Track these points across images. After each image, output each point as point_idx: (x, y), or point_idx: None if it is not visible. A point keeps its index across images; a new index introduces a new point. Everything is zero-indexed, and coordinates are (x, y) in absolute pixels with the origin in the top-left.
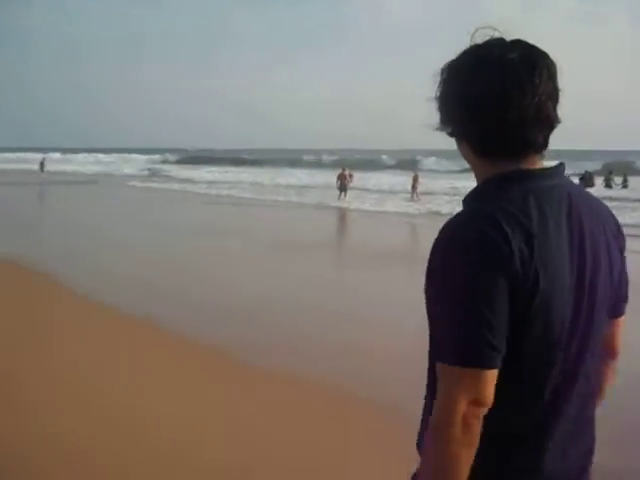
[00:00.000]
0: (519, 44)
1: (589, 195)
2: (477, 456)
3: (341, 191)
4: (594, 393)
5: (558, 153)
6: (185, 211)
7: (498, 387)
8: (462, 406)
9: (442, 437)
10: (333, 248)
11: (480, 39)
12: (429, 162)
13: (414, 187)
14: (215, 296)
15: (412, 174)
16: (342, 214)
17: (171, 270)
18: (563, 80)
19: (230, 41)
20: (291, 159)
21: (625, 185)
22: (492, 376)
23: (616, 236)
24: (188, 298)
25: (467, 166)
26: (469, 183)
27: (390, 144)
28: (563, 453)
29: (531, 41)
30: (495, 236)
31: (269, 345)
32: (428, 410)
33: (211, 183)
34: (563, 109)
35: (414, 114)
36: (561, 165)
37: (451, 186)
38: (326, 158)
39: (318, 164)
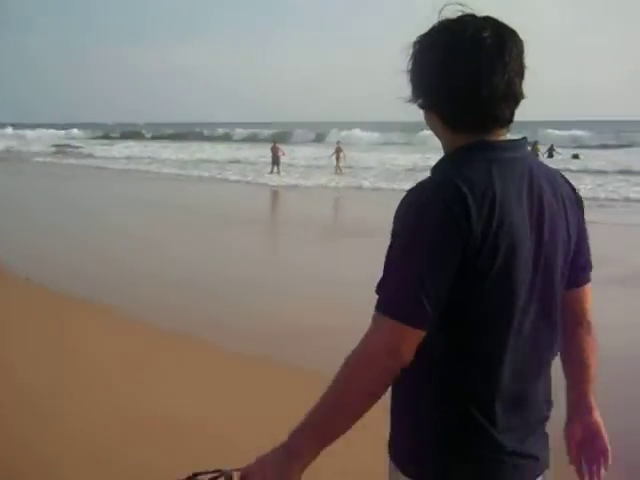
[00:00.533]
0: (490, 22)
1: (548, 167)
2: (433, 420)
3: (274, 164)
4: (549, 360)
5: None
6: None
7: (452, 354)
8: (381, 354)
9: (349, 370)
10: (268, 223)
11: (449, 14)
12: (351, 134)
13: (338, 160)
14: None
15: (335, 147)
16: (275, 191)
17: (101, 246)
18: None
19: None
20: (197, 133)
21: (551, 155)
22: (416, 335)
23: (573, 204)
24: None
25: (387, 139)
26: (393, 155)
27: (307, 116)
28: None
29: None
30: (453, 201)
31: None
32: (398, 397)
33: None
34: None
35: (334, 86)
36: (523, 139)
37: (377, 159)
38: (240, 132)
39: (228, 138)
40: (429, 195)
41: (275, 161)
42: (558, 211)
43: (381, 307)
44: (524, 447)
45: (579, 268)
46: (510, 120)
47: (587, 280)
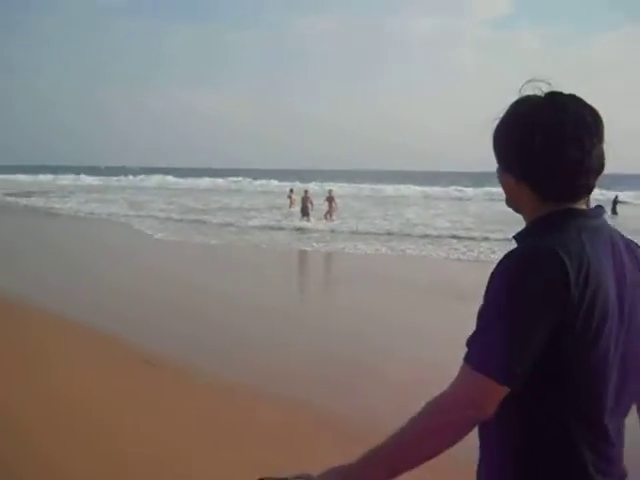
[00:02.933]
0: (582, 101)
1: (622, 234)
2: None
3: (304, 215)
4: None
5: None
6: None
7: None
8: (464, 404)
9: (432, 414)
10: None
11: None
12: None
13: (330, 207)
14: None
15: (326, 195)
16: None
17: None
18: None
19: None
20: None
21: (615, 210)
22: (501, 392)
23: None
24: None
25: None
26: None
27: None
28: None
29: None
30: (554, 266)
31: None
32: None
33: None
34: None
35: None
36: (601, 207)
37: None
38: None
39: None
40: (530, 259)
41: (305, 212)
42: (637, 277)
43: (470, 360)
44: None
45: None
46: (593, 188)
47: None
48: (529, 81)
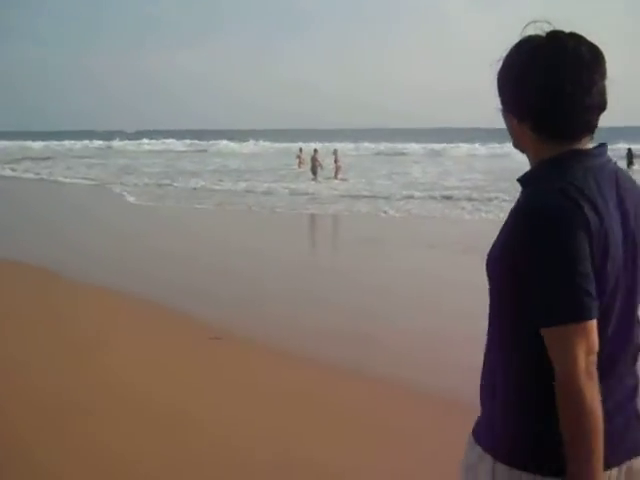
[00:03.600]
0: (582, 38)
1: (628, 174)
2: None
3: (315, 174)
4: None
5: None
6: None
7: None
8: (582, 359)
9: (574, 390)
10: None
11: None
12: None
13: (337, 164)
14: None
15: (333, 155)
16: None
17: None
18: None
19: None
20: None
21: (631, 162)
22: (596, 324)
23: None
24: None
25: None
26: None
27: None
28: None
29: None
30: (573, 207)
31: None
32: (495, 374)
33: None
34: None
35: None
36: (605, 145)
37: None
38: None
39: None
40: (553, 206)
41: (314, 171)
42: (638, 209)
43: (563, 317)
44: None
45: None
46: (596, 127)
47: None
48: (530, 22)
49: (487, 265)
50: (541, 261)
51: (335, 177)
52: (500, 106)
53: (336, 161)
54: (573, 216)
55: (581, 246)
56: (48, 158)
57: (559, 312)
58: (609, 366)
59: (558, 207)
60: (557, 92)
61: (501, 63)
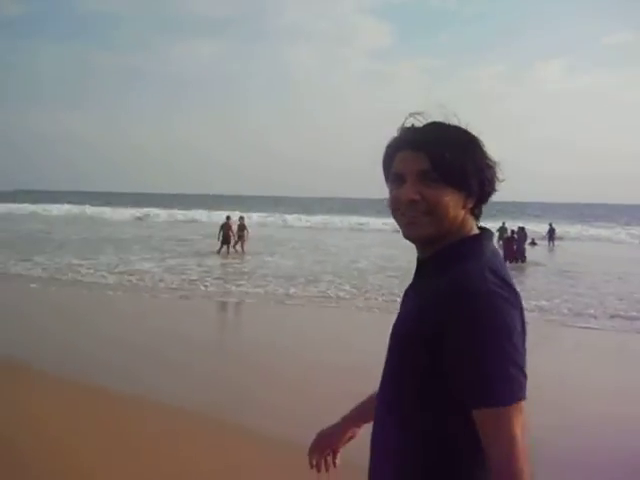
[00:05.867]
0: (435, 123)
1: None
2: None
3: (223, 244)
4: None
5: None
6: None
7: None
8: (520, 439)
9: (515, 472)
10: None
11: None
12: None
13: (242, 238)
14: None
15: (235, 221)
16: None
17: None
18: None
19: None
20: None
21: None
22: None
23: None
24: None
25: None
26: None
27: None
28: None
29: None
30: (506, 287)
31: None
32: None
33: None
34: None
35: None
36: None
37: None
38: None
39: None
40: (492, 287)
41: (226, 240)
42: None
43: (504, 399)
44: None
45: None
46: None
47: None
48: (411, 114)
49: (394, 339)
50: (484, 342)
51: (236, 249)
52: (415, 180)
53: (242, 229)
54: (509, 297)
55: (517, 326)
56: None
57: (502, 393)
58: None
59: (496, 288)
60: (491, 172)
61: (440, 140)
